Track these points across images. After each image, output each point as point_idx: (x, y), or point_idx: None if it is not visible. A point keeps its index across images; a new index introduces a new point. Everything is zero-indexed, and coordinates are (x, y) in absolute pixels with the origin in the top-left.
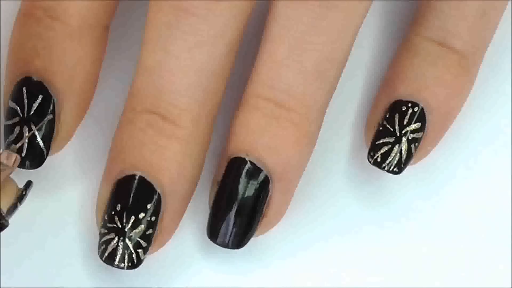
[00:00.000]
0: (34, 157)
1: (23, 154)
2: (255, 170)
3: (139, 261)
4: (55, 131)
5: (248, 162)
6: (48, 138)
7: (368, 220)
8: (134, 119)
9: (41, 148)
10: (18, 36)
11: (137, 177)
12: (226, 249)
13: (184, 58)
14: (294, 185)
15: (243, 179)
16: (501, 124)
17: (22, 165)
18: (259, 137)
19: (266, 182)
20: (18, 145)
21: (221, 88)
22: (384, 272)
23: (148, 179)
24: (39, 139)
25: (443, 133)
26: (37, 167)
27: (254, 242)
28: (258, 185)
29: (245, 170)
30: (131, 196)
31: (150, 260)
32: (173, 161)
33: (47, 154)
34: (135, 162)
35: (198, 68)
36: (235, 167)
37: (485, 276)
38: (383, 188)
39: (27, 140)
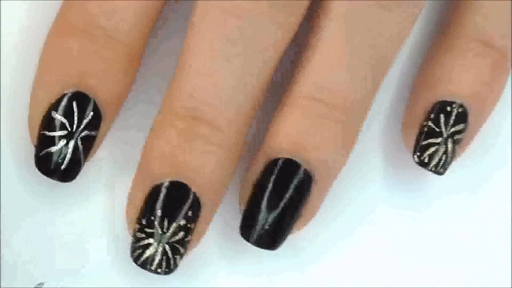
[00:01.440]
0: (72, 171)
1: (62, 167)
2: (298, 171)
3: (175, 266)
4: (94, 146)
5: (291, 162)
6: (87, 152)
7: (393, 218)
8: (173, 123)
9: (80, 162)
10: (64, 48)
11: (175, 182)
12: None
13: (231, 63)
14: (330, 184)
15: (285, 179)
16: (501, 124)
17: (58, 177)
18: (305, 136)
19: (308, 181)
20: (60, 158)
21: (262, 95)
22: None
23: (188, 184)
24: (81, 153)
25: (477, 133)
26: (71, 180)
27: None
28: (300, 185)
29: (287, 170)
30: (172, 201)
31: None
32: (212, 167)
33: (82, 167)
34: (173, 165)
35: (243, 74)
36: (278, 167)
37: (485, 276)
38: (411, 187)
39: (69, 155)
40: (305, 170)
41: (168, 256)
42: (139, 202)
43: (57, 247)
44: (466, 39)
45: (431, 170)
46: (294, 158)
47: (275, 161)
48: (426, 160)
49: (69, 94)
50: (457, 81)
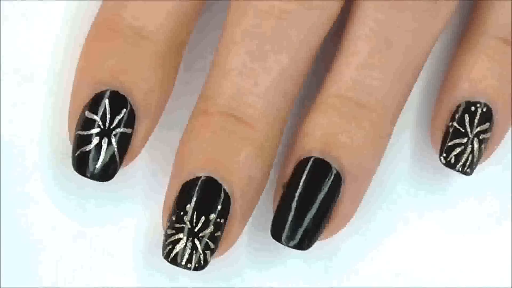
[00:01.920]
0: (108, 170)
1: (97, 165)
2: (329, 170)
3: (206, 262)
4: (130, 146)
5: (322, 161)
6: (123, 152)
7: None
8: (209, 121)
9: (116, 161)
10: (99, 48)
11: (207, 178)
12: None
13: (267, 61)
14: (365, 187)
15: (316, 179)
16: None
17: (94, 177)
18: (337, 136)
19: (338, 183)
20: (95, 157)
21: (297, 93)
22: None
23: (219, 180)
24: (116, 152)
25: (507, 130)
26: (108, 180)
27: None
28: (330, 186)
29: (318, 170)
30: (202, 196)
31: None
32: (245, 164)
33: (119, 167)
34: (206, 162)
35: (279, 72)
36: (309, 167)
37: (485, 276)
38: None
39: (104, 152)
40: (335, 169)
41: (198, 251)
42: (171, 200)
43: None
44: (486, 36)
45: (458, 171)
46: (324, 158)
47: (305, 161)
48: (452, 161)
49: (101, 93)
50: (479, 80)
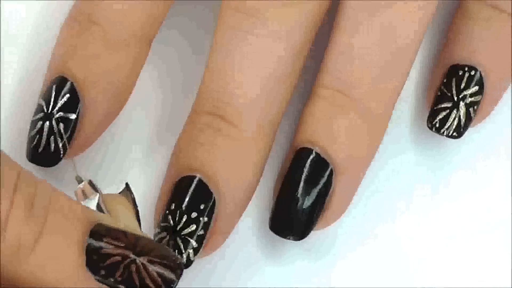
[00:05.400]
0: (51, 155)
1: (39, 150)
2: (320, 161)
3: (189, 261)
4: (75, 134)
5: (313, 152)
6: (66, 137)
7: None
8: (195, 120)
9: (58, 147)
10: (59, 39)
11: (194, 178)
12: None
13: (252, 62)
14: (358, 179)
15: (306, 170)
16: (501, 124)
17: (36, 161)
18: (324, 126)
19: (329, 174)
20: (37, 140)
21: (287, 95)
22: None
23: (204, 180)
24: (57, 136)
25: (502, 94)
26: (52, 166)
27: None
28: (321, 177)
29: (308, 161)
30: (185, 195)
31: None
32: (230, 164)
33: (63, 154)
34: (190, 162)
35: (265, 73)
36: (299, 158)
37: (485, 276)
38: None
39: (45, 136)
40: (325, 160)
41: (180, 250)
42: (161, 199)
43: None
44: (477, 3)
45: (443, 134)
46: (315, 149)
47: (298, 153)
48: (437, 125)
49: (52, 80)
50: (468, 45)
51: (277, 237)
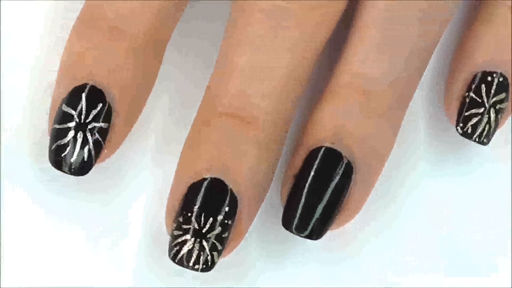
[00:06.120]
0: (83, 164)
1: (72, 159)
2: (340, 159)
3: (213, 263)
4: (106, 140)
5: (333, 151)
6: (99, 146)
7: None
8: (213, 121)
9: (91, 156)
10: (79, 44)
11: (214, 179)
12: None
13: (273, 62)
14: (376, 175)
15: (327, 168)
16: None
17: (69, 171)
18: (347, 125)
19: (349, 171)
20: (69, 150)
21: (302, 93)
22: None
23: (226, 181)
24: (91, 146)
25: None
26: (83, 175)
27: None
28: (341, 175)
29: (329, 159)
30: (209, 197)
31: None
32: (251, 165)
33: (95, 162)
34: (212, 163)
35: (285, 73)
36: (319, 156)
37: (485, 276)
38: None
39: (79, 147)
40: (346, 158)
41: (206, 252)
42: (177, 200)
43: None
44: (501, 5)
45: (475, 141)
46: (335, 147)
47: (316, 151)
48: (469, 131)
49: (78, 87)
50: (496, 51)
51: (277, 237)
